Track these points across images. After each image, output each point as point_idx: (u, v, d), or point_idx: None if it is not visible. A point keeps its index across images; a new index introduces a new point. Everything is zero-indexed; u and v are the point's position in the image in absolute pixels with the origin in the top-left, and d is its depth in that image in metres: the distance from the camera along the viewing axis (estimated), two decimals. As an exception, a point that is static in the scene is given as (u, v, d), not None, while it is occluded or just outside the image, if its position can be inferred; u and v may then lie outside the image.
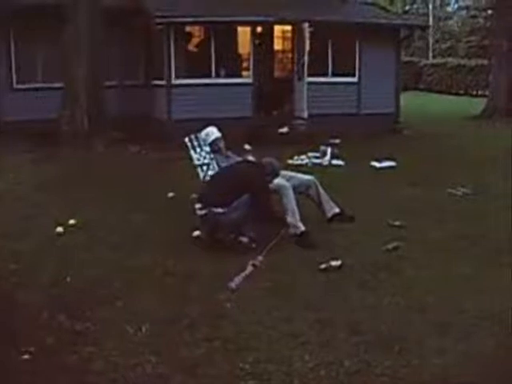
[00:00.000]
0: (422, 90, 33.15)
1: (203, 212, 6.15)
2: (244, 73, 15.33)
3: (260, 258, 5.71)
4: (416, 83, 33.85)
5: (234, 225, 6.18)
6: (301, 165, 11.08)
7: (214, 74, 14.62)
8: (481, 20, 37.63)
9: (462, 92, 30.70)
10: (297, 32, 15.12)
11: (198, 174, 7.47)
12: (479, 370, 3.89)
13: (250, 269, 5.50)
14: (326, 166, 11.21)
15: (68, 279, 5.37)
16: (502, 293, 5.07)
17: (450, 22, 46.29)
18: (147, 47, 15.29)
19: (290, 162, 11.22)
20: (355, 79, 16.09)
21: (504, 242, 6.43)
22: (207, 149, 7.47)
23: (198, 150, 7.62)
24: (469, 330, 4.42)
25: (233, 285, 5.19)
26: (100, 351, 4.07)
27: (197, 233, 6.51)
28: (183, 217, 7.07)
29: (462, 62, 32.32)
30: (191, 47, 15.22)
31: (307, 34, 14.51)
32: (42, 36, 14.16)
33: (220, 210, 6.05)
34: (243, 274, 5.37)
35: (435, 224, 7.22)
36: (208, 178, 7.10)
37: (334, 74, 15.82)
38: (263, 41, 16.30)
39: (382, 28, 16.15)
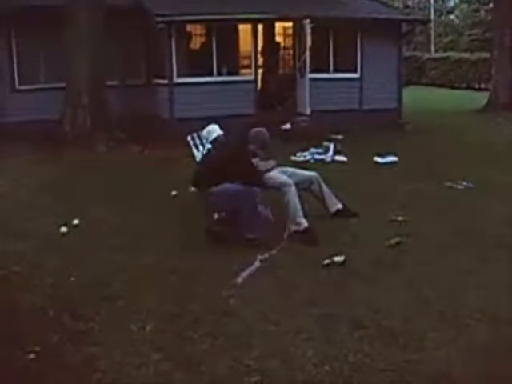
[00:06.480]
0: (424, 84, 33.03)
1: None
2: (246, 70, 15.31)
3: (267, 254, 5.75)
4: (418, 78, 33.75)
5: (226, 206, 6.24)
6: (304, 161, 11.07)
7: (215, 71, 14.61)
8: (482, 13, 37.50)
9: (464, 86, 30.58)
10: (298, 28, 15.11)
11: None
12: (481, 362, 3.91)
13: (257, 264, 5.53)
14: (329, 162, 11.20)
15: (72, 279, 5.40)
16: (503, 287, 5.09)
17: (452, 16, 46.18)
18: (149, 46, 15.27)
19: (293, 158, 11.23)
20: (357, 75, 16.05)
21: (505, 236, 6.45)
22: (209, 146, 7.48)
23: (201, 148, 7.64)
24: (470, 323, 4.44)
25: (239, 280, 5.22)
26: (104, 350, 4.09)
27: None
28: (187, 215, 7.08)
29: (464, 55, 32.15)
30: (192, 45, 15.20)
31: (309, 31, 14.46)
32: (44, 36, 14.13)
33: (214, 189, 6.14)
34: (250, 270, 5.40)
35: (438, 219, 7.24)
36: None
37: (336, 70, 15.79)
38: (265, 38, 16.29)
39: (384, 23, 16.07)
